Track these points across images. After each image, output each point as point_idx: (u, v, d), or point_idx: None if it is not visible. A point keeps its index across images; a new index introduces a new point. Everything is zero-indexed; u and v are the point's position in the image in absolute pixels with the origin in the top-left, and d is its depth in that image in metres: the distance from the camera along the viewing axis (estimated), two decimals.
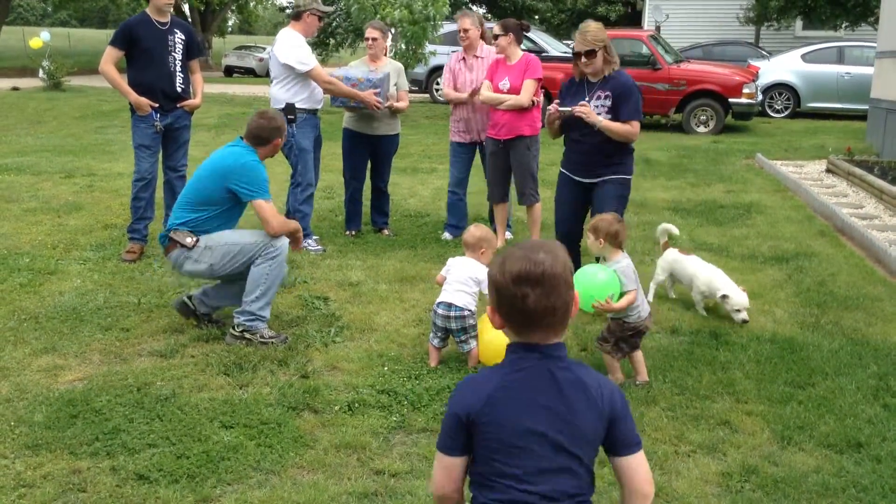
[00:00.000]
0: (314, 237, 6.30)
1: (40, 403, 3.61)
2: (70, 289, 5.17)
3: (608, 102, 4.56)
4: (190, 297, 4.54)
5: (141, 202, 5.97)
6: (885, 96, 11.15)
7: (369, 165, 6.68)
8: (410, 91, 7.43)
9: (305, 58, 5.95)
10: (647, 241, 6.60)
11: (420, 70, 17.00)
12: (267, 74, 11.09)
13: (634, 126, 4.60)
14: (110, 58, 5.86)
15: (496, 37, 6.01)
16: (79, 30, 60.63)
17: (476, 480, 1.74)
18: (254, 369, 4.01)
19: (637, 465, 1.73)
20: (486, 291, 2.83)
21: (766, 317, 4.85)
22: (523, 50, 6.18)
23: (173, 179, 6.17)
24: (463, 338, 4.08)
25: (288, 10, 20.20)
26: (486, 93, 5.99)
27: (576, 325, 4.62)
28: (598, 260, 4.10)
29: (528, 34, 11.81)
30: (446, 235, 6.61)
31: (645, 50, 14.21)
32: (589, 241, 3.95)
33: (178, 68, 5.95)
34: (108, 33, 27.16)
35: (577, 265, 5.23)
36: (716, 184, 9.26)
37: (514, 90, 5.90)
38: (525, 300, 1.65)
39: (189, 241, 4.29)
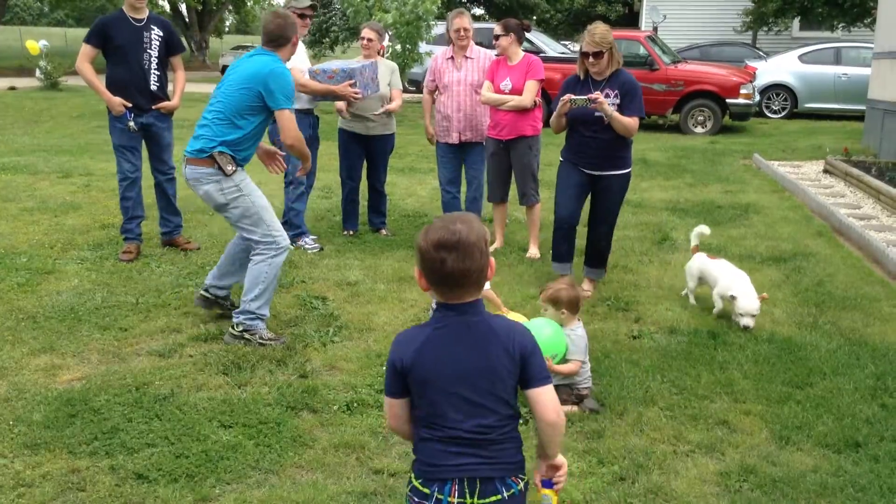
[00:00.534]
0: (312, 236, 6.30)
1: (39, 403, 3.61)
2: (68, 288, 5.17)
3: (616, 100, 4.86)
4: (206, 289, 4.56)
5: (129, 201, 5.93)
6: (882, 97, 11.16)
7: (365, 165, 6.68)
8: (409, 91, 7.43)
9: None
10: (644, 241, 6.61)
11: (418, 70, 17.01)
12: None
13: (636, 122, 4.93)
14: (85, 56, 5.74)
15: (497, 37, 5.98)
16: (75, 29, 60.49)
17: (417, 420, 1.99)
18: (252, 369, 4.01)
19: (546, 396, 1.94)
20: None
21: (765, 317, 4.84)
22: (523, 51, 6.17)
23: (163, 182, 6.12)
24: None
25: None
26: (488, 94, 5.97)
27: None
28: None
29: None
30: None
31: (642, 51, 14.22)
32: (548, 312, 3.77)
33: (154, 66, 5.81)
34: None
35: (573, 248, 5.27)
36: (713, 184, 9.27)
37: (516, 91, 5.88)
38: (444, 264, 1.87)
39: (230, 168, 4.25)
